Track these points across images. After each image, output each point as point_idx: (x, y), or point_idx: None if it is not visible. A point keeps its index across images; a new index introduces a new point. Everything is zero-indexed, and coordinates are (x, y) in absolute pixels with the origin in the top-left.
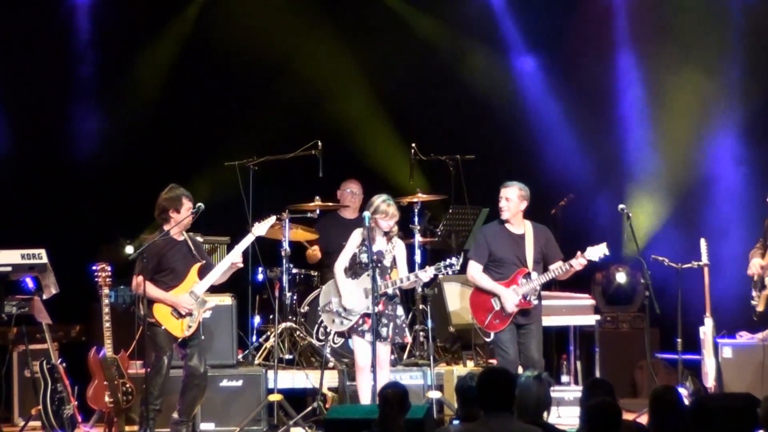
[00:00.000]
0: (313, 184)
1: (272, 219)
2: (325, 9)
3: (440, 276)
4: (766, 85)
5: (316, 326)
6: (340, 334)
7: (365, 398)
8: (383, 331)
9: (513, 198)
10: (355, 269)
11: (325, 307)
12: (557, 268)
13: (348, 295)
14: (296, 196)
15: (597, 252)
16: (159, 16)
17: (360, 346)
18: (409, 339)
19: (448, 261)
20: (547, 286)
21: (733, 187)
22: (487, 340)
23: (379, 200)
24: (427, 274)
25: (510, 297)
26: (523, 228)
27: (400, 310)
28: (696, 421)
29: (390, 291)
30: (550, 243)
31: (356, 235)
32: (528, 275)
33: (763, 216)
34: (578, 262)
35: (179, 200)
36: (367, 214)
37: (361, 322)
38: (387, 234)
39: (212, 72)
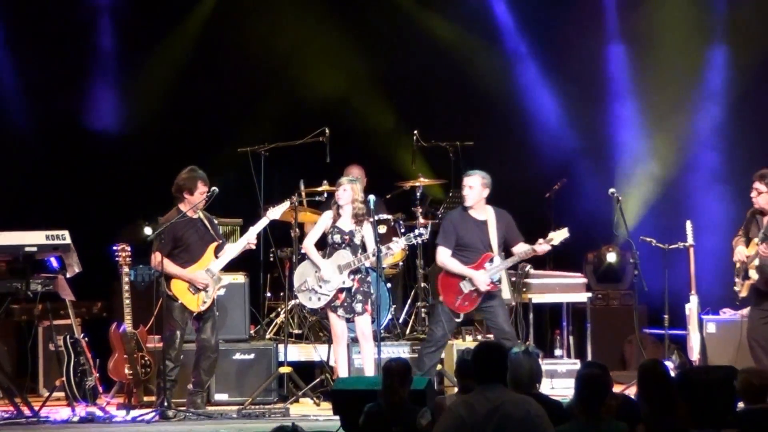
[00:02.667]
0: (320, 169)
1: (286, 204)
2: (333, 5)
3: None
4: (748, 75)
5: None
6: (314, 311)
7: (343, 369)
8: (358, 307)
9: (476, 186)
10: (327, 249)
11: (300, 286)
12: (522, 253)
13: (324, 268)
14: (305, 181)
15: (559, 236)
16: (178, 9)
17: (335, 320)
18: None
19: (417, 231)
20: (542, 264)
21: (716, 172)
22: (457, 320)
23: (344, 180)
24: (398, 245)
25: (481, 277)
26: (486, 214)
27: (372, 287)
28: (681, 392)
29: (366, 265)
30: (510, 227)
31: (325, 217)
32: (491, 260)
33: (743, 200)
34: (541, 248)
35: (195, 182)
36: (372, 197)
37: (333, 298)
38: (356, 216)
39: (227, 63)
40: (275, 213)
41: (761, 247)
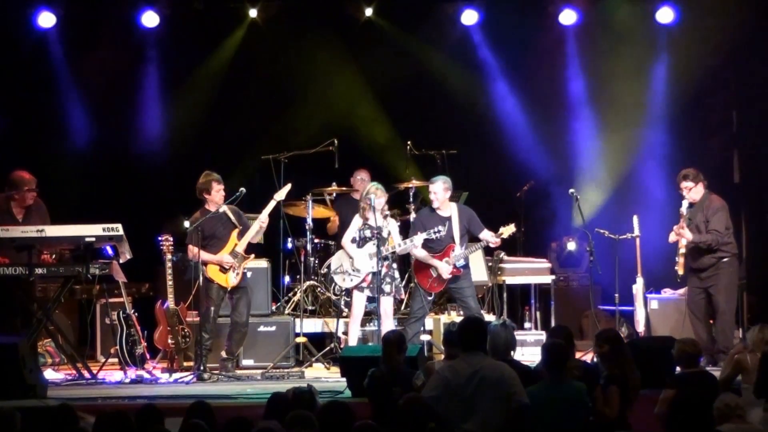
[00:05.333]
0: (330, 173)
1: (288, 186)
2: (341, 37)
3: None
4: (686, 90)
5: (333, 284)
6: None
7: (353, 340)
8: (387, 288)
9: (439, 191)
10: (359, 242)
11: (337, 269)
12: (483, 240)
13: (357, 258)
14: (317, 182)
15: (508, 231)
16: (212, 38)
17: (358, 298)
18: (404, 296)
19: (435, 228)
20: (513, 252)
21: (658, 175)
22: (430, 298)
23: (372, 186)
24: (419, 239)
25: (444, 267)
26: (450, 211)
27: (397, 273)
28: None
29: (390, 254)
30: (472, 220)
31: (357, 218)
32: (454, 249)
33: (680, 198)
34: (494, 240)
35: (210, 184)
36: (372, 196)
37: (362, 280)
38: (382, 213)
39: (253, 83)
40: (280, 194)
41: (676, 227)
